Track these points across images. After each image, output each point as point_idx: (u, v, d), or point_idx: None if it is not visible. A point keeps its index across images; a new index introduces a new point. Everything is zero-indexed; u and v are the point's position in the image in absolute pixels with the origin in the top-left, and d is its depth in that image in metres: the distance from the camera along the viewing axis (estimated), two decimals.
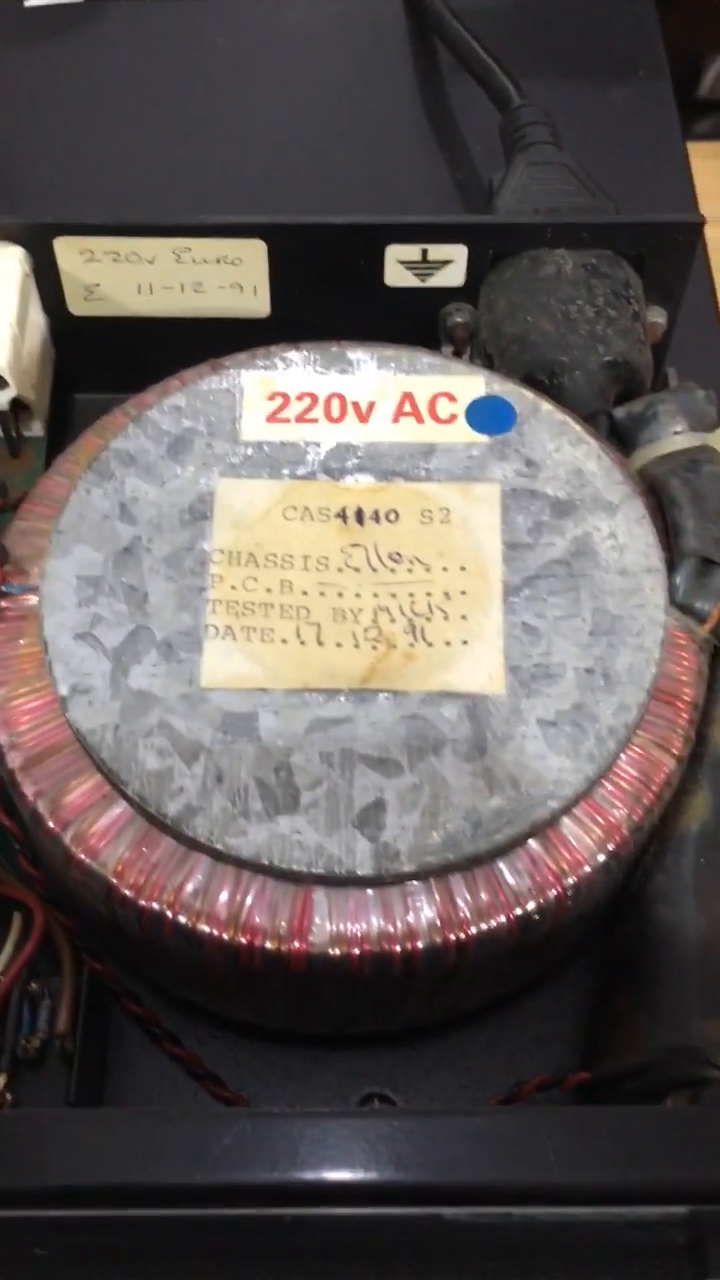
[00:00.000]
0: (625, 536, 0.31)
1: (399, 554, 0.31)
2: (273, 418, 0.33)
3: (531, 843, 0.28)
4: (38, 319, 0.38)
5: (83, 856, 0.28)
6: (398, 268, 0.37)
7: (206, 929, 0.27)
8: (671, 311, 0.38)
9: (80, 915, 0.31)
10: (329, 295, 0.37)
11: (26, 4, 0.49)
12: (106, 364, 0.40)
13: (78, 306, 0.38)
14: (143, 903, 0.28)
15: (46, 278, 0.37)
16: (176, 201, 0.44)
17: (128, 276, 0.37)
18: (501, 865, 0.28)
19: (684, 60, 0.54)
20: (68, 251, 0.37)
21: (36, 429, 0.39)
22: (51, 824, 0.28)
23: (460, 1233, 0.25)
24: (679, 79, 0.49)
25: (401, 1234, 0.26)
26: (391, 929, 0.27)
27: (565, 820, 0.28)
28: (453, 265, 0.37)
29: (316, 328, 0.36)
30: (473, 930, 0.27)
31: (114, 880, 0.28)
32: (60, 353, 0.40)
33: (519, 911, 0.28)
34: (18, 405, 0.37)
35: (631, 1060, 0.29)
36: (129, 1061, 0.32)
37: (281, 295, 0.38)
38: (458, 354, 0.38)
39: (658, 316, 0.38)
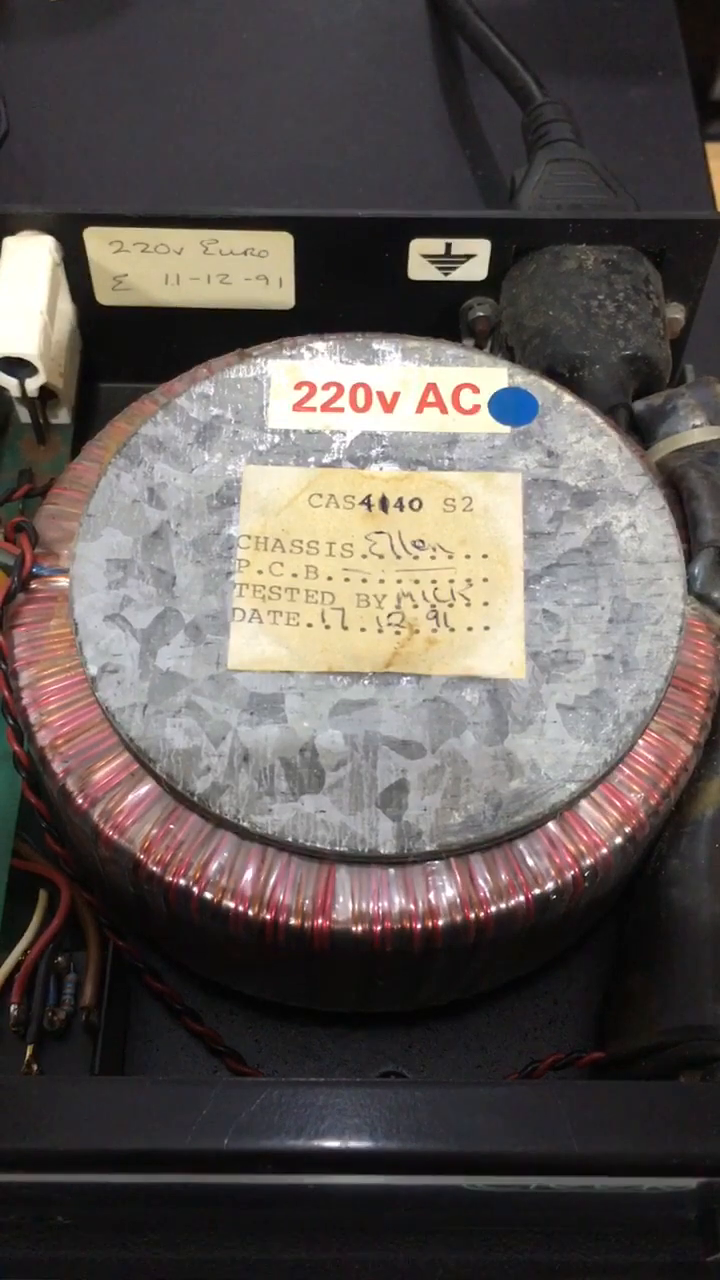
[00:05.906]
0: (644, 527, 0.31)
1: (422, 541, 0.31)
2: (299, 406, 0.33)
3: (550, 825, 0.29)
4: (66, 308, 0.39)
5: (110, 833, 0.29)
6: (421, 261, 0.38)
7: (231, 905, 0.28)
8: (690, 307, 0.39)
9: (105, 892, 0.31)
10: (352, 288, 0.38)
11: None
12: (132, 353, 0.40)
13: (105, 296, 0.39)
14: (169, 879, 0.28)
15: (75, 267, 0.38)
16: (203, 195, 0.44)
17: (155, 267, 0.38)
18: (521, 846, 0.29)
19: (698, 62, 0.54)
20: (97, 242, 0.37)
21: (63, 416, 0.39)
22: (80, 801, 0.29)
23: (479, 1203, 0.26)
24: (693, 81, 0.50)
25: (422, 1203, 0.27)
26: (413, 907, 0.28)
27: (583, 803, 0.29)
28: (475, 259, 0.38)
29: (339, 319, 0.37)
30: (492, 909, 0.28)
31: (141, 856, 0.28)
32: (87, 342, 0.40)
33: (537, 891, 0.28)
34: (45, 393, 0.38)
35: (646, 1039, 0.29)
36: (149, 1037, 0.33)
37: (306, 287, 0.38)
38: (479, 347, 0.38)
39: (676, 312, 0.38)
